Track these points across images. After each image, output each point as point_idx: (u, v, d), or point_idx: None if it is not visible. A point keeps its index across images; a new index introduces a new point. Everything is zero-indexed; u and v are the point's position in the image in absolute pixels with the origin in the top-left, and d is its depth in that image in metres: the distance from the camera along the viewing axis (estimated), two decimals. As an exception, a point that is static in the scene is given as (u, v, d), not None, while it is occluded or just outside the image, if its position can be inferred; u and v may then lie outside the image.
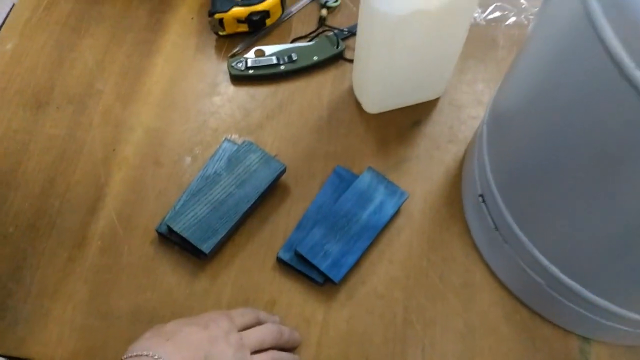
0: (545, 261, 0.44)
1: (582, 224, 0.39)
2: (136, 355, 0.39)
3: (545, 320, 0.51)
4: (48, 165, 0.58)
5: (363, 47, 0.55)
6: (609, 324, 0.46)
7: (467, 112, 0.62)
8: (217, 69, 0.64)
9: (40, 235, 0.54)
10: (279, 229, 0.55)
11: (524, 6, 0.69)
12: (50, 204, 0.56)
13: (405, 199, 0.55)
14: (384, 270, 0.54)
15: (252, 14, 0.63)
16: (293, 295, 0.52)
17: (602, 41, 0.28)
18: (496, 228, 0.49)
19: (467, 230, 0.55)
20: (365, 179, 0.55)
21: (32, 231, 0.54)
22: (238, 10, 0.63)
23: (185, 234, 0.51)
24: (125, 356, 0.39)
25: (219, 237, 0.52)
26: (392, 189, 0.55)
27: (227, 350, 0.41)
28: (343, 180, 0.56)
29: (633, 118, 0.28)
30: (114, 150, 0.59)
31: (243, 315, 0.46)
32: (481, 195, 0.50)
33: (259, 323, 0.47)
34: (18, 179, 0.57)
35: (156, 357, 0.38)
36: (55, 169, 0.58)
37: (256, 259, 0.54)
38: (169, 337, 0.41)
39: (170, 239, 0.53)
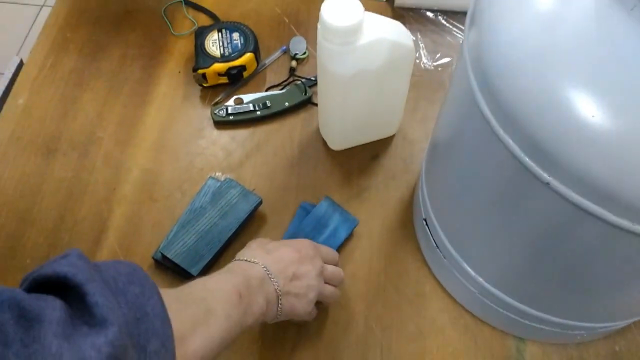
0: (472, 273, 0.54)
1: (492, 242, 0.48)
2: (246, 260, 0.51)
3: (485, 324, 0.60)
4: (58, 204, 0.67)
5: (323, 96, 0.65)
6: (535, 326, 0.55)
7: (419, 146, 0.72)
8: (202, 116, 0.74)
9: (53, 265, 0.63)
10: (257, 253, 0.64)
11: (467, 52, 0.80)
12: (60, 238, 0.65)
13: (356, 225, 0.64)
14: (348, 285, 0.63)
15: (230, 68, 0.73)
16: (270, 309, 0.61)
17: (479, 107, 0.38)
18: (437, 246, 0.58)
19: (418, 248, 0.64)
20: (322, 207, 0.64)
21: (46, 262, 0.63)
22: (218, 66, 0.73)
23: (176, 260, 0.60)
24: (236, 259, 0.51)
25: (206, 261, 0.61)
26: (345, 216, 0.63)
27: (311, 271, 0.52)
28: (308, 212, 0.65)
29: (501, 161, 0.38)
30: (114, 189, 0.68)
31: (327, 253, 0.57)
32: (424, 219, 0.60)
33: (334, 264, 0.58)
34: (33, 216, 0.66)
35: (261, 264, 0.50)
36: (64, 207, 0.67)
37: (238, 279, 0.63)
38: (270, 252, 0.52)
39: (164, 264, 0.62)
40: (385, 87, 0.61)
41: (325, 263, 0.55)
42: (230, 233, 0.62)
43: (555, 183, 0.35)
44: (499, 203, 0.44)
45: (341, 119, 0.65)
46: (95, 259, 0.64)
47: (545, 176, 0.36)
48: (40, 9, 1.89)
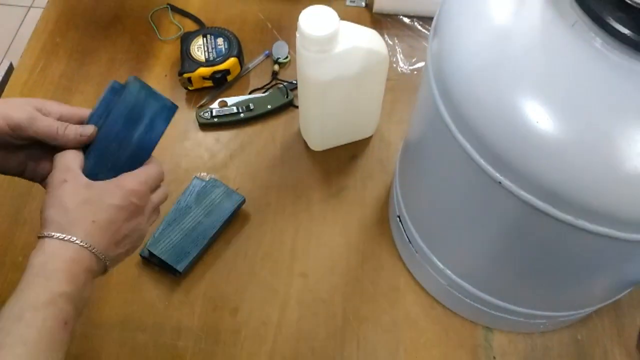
0: (441, 266, 0.57)
1: (457, 238, 0.52)
2: (64, 238, 0.43)
3: (456, 315, 0.64)
4: (48, 204, 0.70)
5: (303, 100, 0.68)
6: (500, 315, 0.59)
7: (395, 147, 0.76)
8: (187, 118, 0.77)
9: (44, 262, 0.66)
10: (240, 250, 0.67)
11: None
12: (51, 236, 0.68)
13: (175, 111, 0.52)
14: (326, 279, 0.66)
15: (214, 72, 0.76)
16: (253, 303, 0.64)
17: (439, 113, 0.42)
18: (409, 242, 0.62)
19: (393, 244, 0.68)
20: (132, 93, 0.49)
21: (37, 259, 0.66)
22: (203, 70, 0.76)
23: (163, 257, 0.63)
24: (50, 233, 0.43)
25: (191, 258, 0.64)
26: (162, 102, 0.51)
27: (142, 222, 0.48)
28: (117, 93, 0.49)
29: (460, 162, 0.42)
30: (103, 189, 0.71)
31: (155, 180, 0.49)
32: (398, 216, 0.63)
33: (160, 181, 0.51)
34: (24, 216, 0.69)
35: (85, 243, 0.43)
36: (54, 207, 0.70)
37: (222, 275, 0.66)
38: (95, 215, 0.44)
39: (151, 261, 0.65)
40: (361, 91, 0.65)
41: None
42: (214, 230, 0.65)
43: (506, 182, 0.39)
44: (461, 201, 0.47)
45: (320, 121, 0.69)
46: (84, 256, 0.66)
47: (498, 176, 0.39)
48: (28, 10, 1.90)
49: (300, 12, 0.87)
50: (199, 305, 0.64)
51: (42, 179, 0.50)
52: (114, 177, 0.47)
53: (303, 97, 0.68)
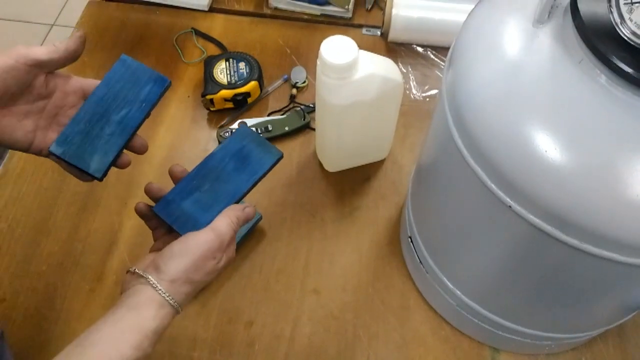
0: (451, 286, 0.59)
1: (468, 259, 0.54)
2: (162, 294, 0.46)
3: (464, 335, 0.66)
4: (73, 216, 0.73)
5: (320, 123, 0.71)
6: (508, 336, 0.61)
7: (407, 170, 0.78)
8: (208, 137, 0.81)
9: (67, 271, 0.69)
10: (256, 264, 0.70)
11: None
12: (74, 247, 0.70)
13: (279, 159, 0.55)
14: (338, 296, 0.68)
15: (236, 95, 0.79)
16: (267, 317, 0.66)
17: (453, 139, 0.44)
18: (420, 262, 0.64)
19: (404, 264, 0.70)
20: (241, 136, 0.55)
21: (61, 269, 0.69)
22: (225, 92, 0.79)
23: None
24: (154, 284, 0.46)
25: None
26: (266, 149, 0.55)
27: (219, 263, 0.49)
28: (126, 67, 0.54)
29: (472, 187, 0.44)
30: (125, 203, 0.74)
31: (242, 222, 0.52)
32: (410, 237, 0.65)
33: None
34: (49, 226, 0.72)
35: (174, 302, 0.46)
36: (79, 219, 0.73)
37: (238, 288, 0.68)
38: (192, 282, 0.48)
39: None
40: (376, 116, 0.68)
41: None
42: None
43: (515, 206, 0.41)
44: (472, 223, 0.49)
45: (337, 144, 0.72)
46: (105, 266, 0.69)
47: (508, 200, 0.42)
48: (51, 28, 1.97)
49: (318, 39, 0.91)
50: (214, 317, 0.66)
51: (48, 153, 0.52)
52: (203, 211, 0.51)
53: (320, 120, 0.71)
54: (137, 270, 0.48)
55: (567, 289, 0.49)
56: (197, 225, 0.50)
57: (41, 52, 0.48)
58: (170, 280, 0.46)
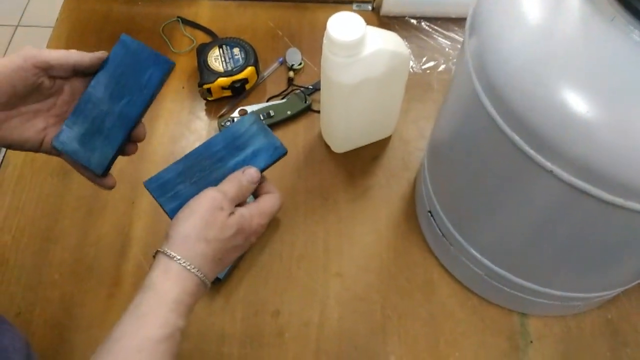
0: (479, 256, 0.59)
1: (498, 227, 0.54)
2: (186, 266, 0.44)
3: (491, 303, 0.66)
4: (80, 221, 0.70)
5: (326, 104, 0.70)
6: (537, 300, 0.61)
7: (414, 145, 0.78)
8: (209, 128, 0.78)
9: (82, 278, 0.66)
10: (275, 253, 0.69)
11: (450, 56, 0.86)
12: (86, 253, 0.68)
13: (282, 155, 0.52)
14: (362, 278, 0.68)
15: (234, 82, 0.77)
16: (293, 304, 0.66)
17: (485, 109, 0.44)
18: (443, 235, 0.63)
19: (423, 239, 0.70)
20: (244, 123, 0.52)
21: (75, 276, 0.67)
22: (222, 80, 0.77)
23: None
24: (176, 257, 0.43)
25: (229, 266, 0.65)
26: (271, 141, 0.52)
27: (244, 245, 0.48)
28: (126, 49, 0.51)
29: (506, 154, 0.44)
30: (133, 203, 0.72)
31: (264, 210, 0.49)
32: (429, 211, 0.65)
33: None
34: (56, 234, 0.69)
35: (200, 274, 0.44)
36: (87, 223, 0.70)
37: (260, 279, 0.67)
38: (215, 253, 0.46)
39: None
40: (384, 92, 0.67)
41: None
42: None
43: (557, 171, 0.41)
44: (505, 191, 0.49)
45: (344, 124, 0.70)
46: (121, 269, 0.67)
47: (549, 165, 0.41)
48: (15, 30, 1.89)
49: (308, 19, 0.89)
50: (240, 310, 0.65)
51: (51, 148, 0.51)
52: (194, 191, 0.48)
53: (327, 101, 0.69)
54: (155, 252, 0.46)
55: (603, 248, 0.49)
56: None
57: (51, 55, 0.46)
58: (180, 242, 0.44)
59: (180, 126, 0.78)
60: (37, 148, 0.50)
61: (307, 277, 0.68)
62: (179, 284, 0.43)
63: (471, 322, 0.65)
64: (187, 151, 0.76)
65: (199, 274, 0.44)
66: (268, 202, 0.50)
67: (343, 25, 0.58)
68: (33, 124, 0.49)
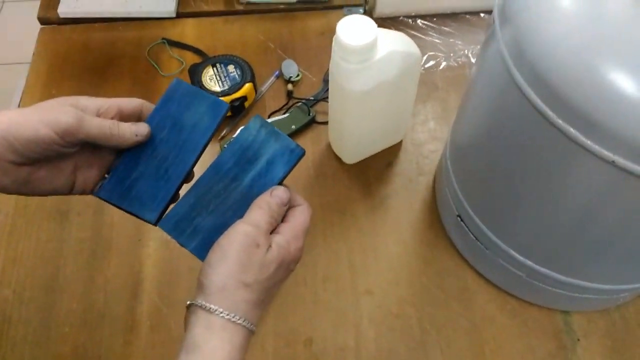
0: (519, 257, 0.56)
1: (542, 222, 0.51)
2: (230, 319, 0.39)
3: (531, 304, 0.63)
4: (84, 265, 0.65)
5: (336, 115, 0.66)
6: (582, 297, 0.58)
7: (427, 147, 0.75)
8: (212, 152, 0.73)
9: (94, 327, 0.61)
10: (299, 277, 0.64)
11: (452, 53, 0.83)
12: (95, 299, 0.63)
13: (301, 156, 0.45)
14: (393, 292, 0.64)
15: (233, 101, 0.73)
16: (325, 330, 0.61)
17: (529, 101, 0.41)
18: (477, 239, 0.60)
19: (452, 245, 0.66)
20: (250, 130, 0.45)
21: (86, 326, 0.61)
22: (221, 100, 0.73)
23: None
24: (216, 311, 0.38)
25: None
26: (285, 143, 0.45)
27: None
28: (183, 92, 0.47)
29: (555, 145, 0.41)
30: (139, 240, 0.67)
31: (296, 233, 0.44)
32: (459, 215, 0.62)
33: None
34: (60, 282, 0.64)
35: (247, 325, 0.40)
36: (92, 267, 0.65)
37: (286, 307, 0.63)
38: (260, 298, 0.41)
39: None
40: (397, 96, 0.63)
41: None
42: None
43: (619, 161, 0.38)
44: (551, 181, 0.46)
45: (357, 133, 0.67)
46: (136, 313, 0.62)
47: (610, 155, 0.38)
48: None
49: (299, 28, 0.86)
50: (270, 343, 0.61)
51: (92, 189, 0.47)
52: (213, 221, 0.43)
53: (337, 111, 0.66)
54: (187, 304, 0.40)
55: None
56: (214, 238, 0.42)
57: (91, 130, 0.42)
58: (218, 292, 0.38)
59: (180, 153, 0.74)
60: (69, 192, 0.45)
61: (335, 298, 0.64)
62: (225, 340, 0.38)
63: (514, 326, 0.62)
64: (194, 179, 0.72)
65: (245, 324, 0.39)
66: (300, 219, 0.44)
67: (353, 29, 0.55)
68: (61, 170, 0.44)
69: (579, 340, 0.61)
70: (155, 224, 0.46)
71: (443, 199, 0.66)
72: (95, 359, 0.59)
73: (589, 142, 0.39)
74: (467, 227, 0.61)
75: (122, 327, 0.61)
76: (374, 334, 0.61)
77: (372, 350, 0.60)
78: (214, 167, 0.45)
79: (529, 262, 0.56)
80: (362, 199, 0.70)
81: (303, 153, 0.45)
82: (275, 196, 0.44)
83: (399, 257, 0.66)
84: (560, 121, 0.39)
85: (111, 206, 0.69)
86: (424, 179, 0.72)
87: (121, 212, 0.69)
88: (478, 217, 0.58)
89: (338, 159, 0.73)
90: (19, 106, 0.81)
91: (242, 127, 0.46)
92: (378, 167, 0.73)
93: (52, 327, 0.61)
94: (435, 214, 0.69)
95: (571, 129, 0.39)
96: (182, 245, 0.44)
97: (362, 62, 0.56)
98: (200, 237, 0.44)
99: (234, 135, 0.48)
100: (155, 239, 0.67)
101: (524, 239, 0.55)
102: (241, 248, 0.39)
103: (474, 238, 0.60)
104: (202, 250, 0.42)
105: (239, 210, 0.43)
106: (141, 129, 0.45)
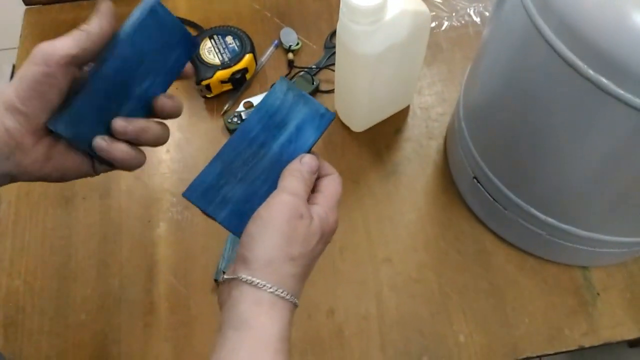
0: (542, 216, 0.55)
1: (565, 175, 0.50)
2: (278, 294, 0.37)
3: (550, 262, 0.63)
4: (95, 251, 0.63)
5: (344, 82, 0.64)
6: (601, 251, 0.58)
7: (435, 110, 0.73)
8: (215, 127, 0.72)
9: (112, 313, 0.60)
10: (316, 250, 0.64)
11: (454, 12, 0.81)
12: (110, 284, 0.62)
13: (331, 120, 0.43)
14: (411, 259, 0.63)
15: (234, 73, 0.71)
16: (346, 299, 0.61)
17: (560, 53, 0.39)
18: (495, 200, 0.59)
19: (467, 208, 0.66)
20: (276, 94, 0.42)
21: (103, 312, 0.60)
22: (221, 73, 0.70)
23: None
24: (263, 285, 0.36)
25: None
26: (314, 108, 0.42)
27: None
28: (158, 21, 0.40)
29: (581, 90, 0.40)
30: (149, 221, 0.65)
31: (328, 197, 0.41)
32: (475, 177, 0.61)
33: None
34: (72, 269, 0.62)
35: (294, 299, 0.39)
36: (104, 252, 0.63)
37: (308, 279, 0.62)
38: (302, 268, 0.39)
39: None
40: (407, 58, 0.62)
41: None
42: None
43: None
44: (577, 130, 0.44)
45: (367, 99, 0.65)
46: (153, 295, 0.61)
47: (629, 96, 0.37)
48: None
49: (295, -6, 0.82)
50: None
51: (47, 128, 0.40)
52: (243, 190, 0.41)
53: (346, 77, 0.64)
54: (225, 277, 0.38)
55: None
56: (248, 211, 0.39)
57: (69, 45, 0.36)
58: (265, 267, 0.36)
59: (183, 131, 0.72)
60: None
61: (354, 268, 0.63)
62: (275, 316, 0.36)
63: (534, 285, 0.62)
64: (199, 156, 0.70)
65: (292, 299, 0.37)
66: (332, 189, 0.42)
67: (361, -10, 0.52)
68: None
69: (598, 294, 0.61)
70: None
71: (457, 161, 0.65)
72: (115, 344, 0.58)
73: (621, 91, 0.38)
74: (484, 188, 0.60)
75: (141, 310, 0.60)
76: (396, 301, 0.61)
77: (395, 316, 0.60)
78: (241, 133, 0.42)
79: (550, 220, 0.55)
80: (373, 167, 0.69)
81: (333, 117, 0.43)
82: (305, 164, 0.41)
83: (415, 223, 0.66)
84: (591, 71, 0.38)
85: (116, 188, 0.68)
86: (435, 142, 0.71)
87: (129, 194, 0.67)
88: (497, 177, 0.57)
89: (346, 127, 0.72)
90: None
91: (267, 92, 0.42)
92: (387, 134, 0.71)
93: (69, 315, 0.60)
94: (448, 178, 0.68)
95: (603, 79, 0.38)
96: (209, 215, 0.41)
97: (372, 24, 0.54)
98: (229, 207, 0.41)
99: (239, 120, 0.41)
100: (166, 219, 0.65)
101: (546, 197, 0.54)
102: (285, 219, 0.37)
103: (492, 199, 0.60)
104: (232, 221, 0.40)
105: (269, 178, 0.41)
106: (101, 6, 0.38)
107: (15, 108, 0.36)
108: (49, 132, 0.38)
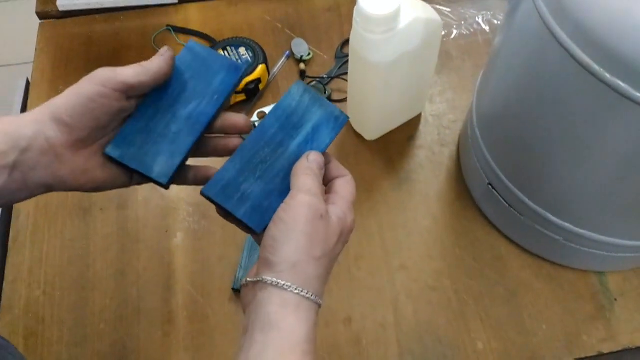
0: (558, 221, 0.55)
1: (580, 184, 0.50)
2: (304, 295, 0.37)
3: (566, 267, 0.63)
4: (113, 261, 0.64)
5: (357, 90, 0.65)
6: (618, 256, 0.58)
7: (447, 117, 0.74)
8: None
9: (130, 322, 0.60)
10: (332, 258, 0.64)
11: (463, 21, 0.82)
12: (128, 294, 0.62)
13: (345, 122, 0.44)
14: (427, 266, 0.63)
15: (247, 84, 0.72)
16: (363, 307, 0.61)
17: (574, 56, 0.40)
18: (510, 206, 0.60)
19: (481, 214, 0.66)
20: (293, 96, 0.44)
21: (121, 321, 0.60)
22: (236, 84, 0.71)
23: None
24: (287, 286, 0.37)
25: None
26: (329, 110, 0.44)
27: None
28: (194, 55, 0.45)
29: (590, 95, 0.40)
30: (166, 231, 0.66)
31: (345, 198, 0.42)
32: (490, 184, 0.61)
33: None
34: (91, 280, 0.63)
35: (318, 300, 0.39)
36: (121, 262, 0.64)
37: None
38: (325, 269, 0.39)
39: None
40: (419, 66, 0.62)
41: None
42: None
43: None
44: (592, 138, 0.45)
45: (380, 107, 0.66)
46: (171, 304, 0.61)
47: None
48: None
49: (305, 6, 0.84)
50: (309, 325, 0.60)
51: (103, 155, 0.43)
52: (261, 188, 0.41)
53: (358, 86, 0.64)
54: (249, 280, 0.39)
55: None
56: (267, 208, 0.40)
57: (128, 74, 0.40)
58: (290, 269, 0.37)
59: (198, 141, 0.72)
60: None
61: (370, 276, 0.63)
62: (302, 318, 0.36)
63: (551, 291, 0.62)
64: (214, 166, 0.71)
65: (317, 300, 0.38)
66: (347, 190, 0.42)
67: (374, -1, 0.53)
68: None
69: (616, 300, 0.61)
70: (166, 186, 0.43)
71: (470, 168, 0.65)
72: (135, 353, 0.59)
73: (638, 94, 0.38)
74: (499, 194, 0.60)
75: (159, 320, 0.61)
76: (413, 309, 0.61)
77: (412, 324, 0.60)
78: (259, 132, 0.43)
79: (566, 225, 0.55)
80: (386, 174, 0.70)
81: (347, 120, 0.44)
82: (313, 161, 0.42)
83: (430, 230, 0.66)
84: (607, 75, 0.39)
85: (133, 199, 0.68)
86: (447, 150, 0.71)
87: (146, 204, 0.68)
88: (513, 183, 0.57)
89: (359, 136, 0.72)
90: (24, 105, 0.79)
91: (285, 92, 0.44)
92: (399, 142, 0.72)
93: (88, 325, 0.61)
94: (461, 184, 0.68)
95: (620, 83, 0.38)
96: (230, 211, 0.41)
97: (386, 32, 0.55)
98: (249, 204, 0.41)
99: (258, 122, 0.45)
100: (183, 229, 0.66)
101: (561, 201, 0.54)
102: (308, 220, 0.38)
103: (507, 205, 0.60)
104: (252, 217, 0.40)
105: (287, 177, 0.41)
106: (163, 50, 0.43)
107: (62, 119, 0.39)
108: (85, 139, 0.40)
